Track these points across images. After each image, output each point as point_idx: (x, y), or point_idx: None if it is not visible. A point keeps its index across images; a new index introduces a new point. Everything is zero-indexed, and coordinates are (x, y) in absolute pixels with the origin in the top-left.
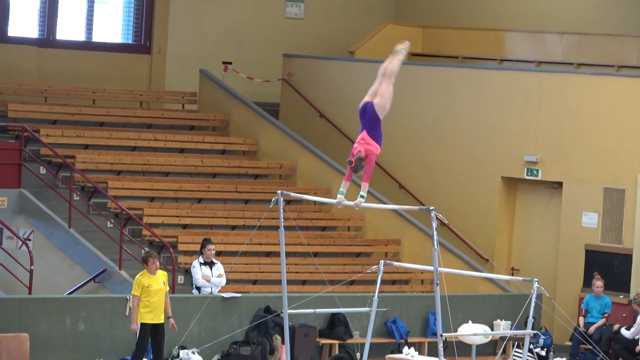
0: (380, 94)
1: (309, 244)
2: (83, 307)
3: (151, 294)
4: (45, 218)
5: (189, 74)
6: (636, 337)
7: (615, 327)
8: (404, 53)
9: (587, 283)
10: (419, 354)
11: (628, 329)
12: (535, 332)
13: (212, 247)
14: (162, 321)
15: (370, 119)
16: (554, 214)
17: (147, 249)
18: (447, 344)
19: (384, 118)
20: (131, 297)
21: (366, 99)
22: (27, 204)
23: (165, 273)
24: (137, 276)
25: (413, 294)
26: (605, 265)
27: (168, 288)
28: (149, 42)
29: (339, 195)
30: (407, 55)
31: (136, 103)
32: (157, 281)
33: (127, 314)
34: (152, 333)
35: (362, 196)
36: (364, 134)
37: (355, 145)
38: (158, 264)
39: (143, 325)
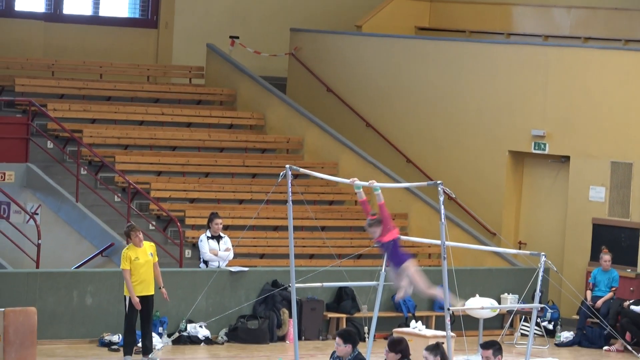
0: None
1: (317, 218)
2: (90, 281)
3: (139, 267)
4: (52, 192)
5: (196, 48)
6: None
7: (626, 303)
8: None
9: (595, 257)
10: (426, 327)
11: (636, 303)
12: (542, 305)
13: (219, 221)
14: (152, 292)
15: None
16: (561, 188)
17: (130, 223)
18: (454, 317)
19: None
20: (122, 272)
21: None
22: (34, 178)
23: (152, 244)
24: (123, 250)
25: (420, 268)
26: (613, 239)
27: (157, 259)
28: (156, 16)
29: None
30: (414, 30)
31: (143, 77)
32: (144, 253)
33: None
34: (142, 304)
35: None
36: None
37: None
38: (141, 235)
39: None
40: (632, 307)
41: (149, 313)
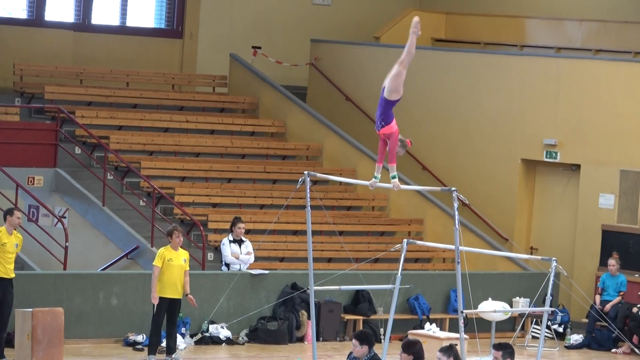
0: (391, 77)
1: (335, 223)
2: (116, 282)
3: (172, 269)
4: (80, 196)
5: (220, 57)
6: None
7: (634, 309)
8: (415, 31)
9: (604, 262)
10: (440, 329)
11: (629, 306)
12: (553, 309)
13: (242, 225)
14: (180, 297)
15: (381, 102)
16: (571, 195)
17: (174, 224)
18: (467, 320)
19: (400, 100)
20: (153, 267)
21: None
22: (62, 182)
23: (186, 252)
24: (160, 249)
25: (435, 272)
26: (621, 245)
27: (188, 267)
28: (181, 26)
29: (373, 179)
30: (431, 41)
31: (168, 86)
32: (178, 257)
33: None
34: (169, 307)
35: (394, 176)
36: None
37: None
38: (182, 238)
39: (162, 299)
40: None
41: (175, 315)
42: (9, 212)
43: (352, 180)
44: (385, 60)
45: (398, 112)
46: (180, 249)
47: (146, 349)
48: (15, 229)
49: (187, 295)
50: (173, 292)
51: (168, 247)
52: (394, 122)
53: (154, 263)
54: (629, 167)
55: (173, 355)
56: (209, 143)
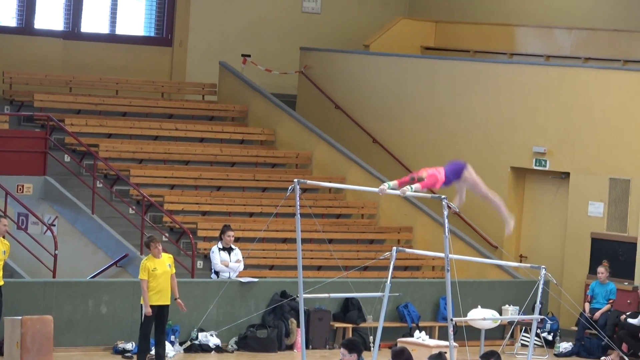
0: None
1: (324, 231)
2: (105, 290)
3: (157, 277)
4: (69, 204)
5: (209, 66)
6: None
7: (622, 316)
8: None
9: (593, 270)
10: (430, 337)
11: (633, 316)
12: (542, 317)
13: (231, 233)
14: (168, 303)
15: (454, 171)
16: (561, 203)
17: (150, 235)
18: (457, 328)
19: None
20: (140, 281)
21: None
22: (52, 190)
23: (170, 256)
24: (142, 260)
25: (424, 280)
26: (611, 253)
27: (174, 271)
28: (171, 35)
29: (383, 185)
30: (421, 49)
31: (158, 94)
32: (162, 264)
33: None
34: (157, 314)
35: (410, 188)
36: (442, 170)
37: (432, 170)
38: (161, 247)
39: (150, 307)
40: (629, 320)
41: (163, 322)
42: None
43: (340, 185)
44: (375, 68)
45: (388, 120)
46: (163, 254)
47: (135, 357)
48: (2, 236)
49: (176, 299)
50: (160, 299)
51: (150, 257)
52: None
53: (140, 277)
54: (618, 175)
55: None
56: (198, 151)
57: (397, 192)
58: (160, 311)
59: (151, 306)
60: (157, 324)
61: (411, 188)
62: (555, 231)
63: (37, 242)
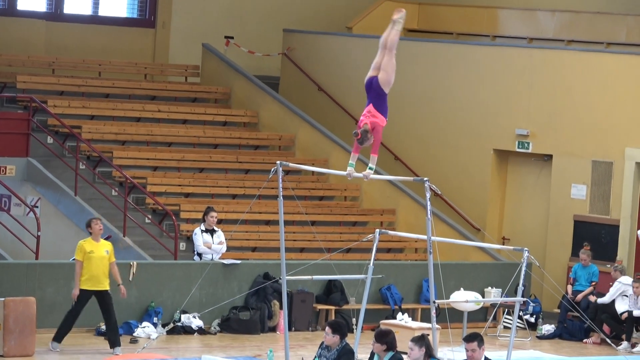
0: (384, 68)
1: (307, 213)
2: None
3: (92, 260)
4: (52, 186)
5: (192, 47)
6: (617, 303)
7: (593, 298)
8: (401, 22)
9: (576, 252)
10: (412, 319)
11: (599, 295)
12: (524, 299)
13: (214, 214)
14: (106, 288)
15: (375, 93)
16: (544, 186)
17: (94, 217)
18: (439, 310)
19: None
20: (75, 262)
21: (371, 73)
22: (34, 172)
23: (109, 244)
24: (80, 242)
25: (407, 262)
26: (593, 236)
27: (114, 259)
28: (154, 16)
29: (348, 168)
30: (403, 31)
31: (140, 75)
32: (99, 249)
33: (130, 279)
34: (98, 300)
35: (370, 168)
36: (370, 107)
37: (362, 117)
38: (102, 227)
39: (83, 291)
40: (599, 300)
41: (107, 307)
42: None
43: (324, 170)
44: (358, 50)
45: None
46: (102, 240)
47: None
48: None
49: (118, 285)
50: (95, 285)
51: (88, 240)
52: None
53: (75, 257)
54: (600, 158)
55: (115, 349)
56: (181, 133)
57: (360, 175)
58: (100, 296)
59: (85, 290)
60: (103, 310)
61: (371, 168)
62: (538, 213)
63: (19, 223)
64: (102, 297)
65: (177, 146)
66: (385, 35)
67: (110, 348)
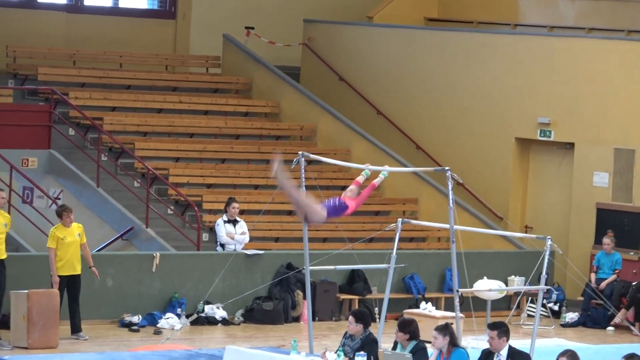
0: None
1: None
2: (111, 264)
3: (65, 246)
4: (74, 178)
5: (213, 38)
6: None
7: (634, 283)
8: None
9: (598, 240)
10: (436, 308)
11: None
12: (548, 287)
13: (236, 205)
14: (78, 272)
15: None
16: (566, 174)
17: (63, 204)
18: (463, 299)
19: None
20: (48, 250)
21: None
22: (56, 164)
23: (80, 225)
24: (51, 229)
25: (430, 251)
26: (616, 223)
27: (85, 240)
28: (174, 7)
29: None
30: (424, 20)
31: (162, 67)
32: (71, 233)
33: (153, 270)
34: (69, 284)
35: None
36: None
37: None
38: (72, 217)
39: (59, 277)
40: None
41: (76, 292)
42: None
43: (345, 163)
44: (379, 40)
45: (392, 92)
46: (73, 223)
47: (142, 329)
48: (1, 209)
49: (90, 267)
50: (70, 269)
51: (59, 226)
52: (348, 204)
53: (47, 245)
54: (622, 145)
55: (80, 334)
56: (202, 124)
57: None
58: (72, 281)
59: (60, 277)
60: (70, 294)
61: (384, 174)
62: (560, 202)
63: (42, 215)
64: (74, 281)
65: (198, 137)
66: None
67: (72, 334)
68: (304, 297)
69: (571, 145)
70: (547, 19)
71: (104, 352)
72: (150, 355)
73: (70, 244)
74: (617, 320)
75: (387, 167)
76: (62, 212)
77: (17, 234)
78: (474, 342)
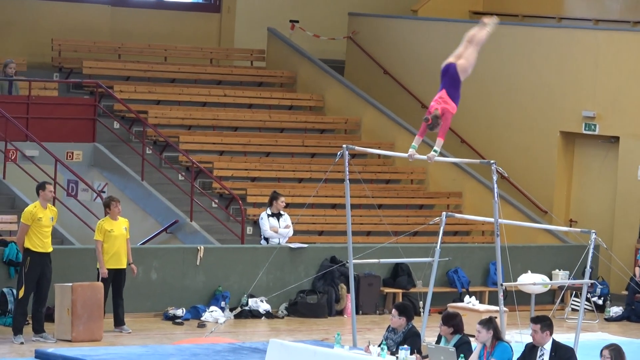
0: (466, 58)
1: (373, 197)
2: (155, 257)
3: (113, 239)
4: (118, 171)
5: (257, 32)
6: None
7: None
8: (492, 26)
9: None
10: (480, 302)
11: None
12: (592, 281)
13: (283, 199)
14: (124, 266)
15: (451, 79)
16: (610, 168)
17: (110, 195)
18: (507, 293)
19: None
20: (95, 242)
21: (450, 59)
22: (101, 157)
23: (126, 220)
24: (98, 222)
25: (474, 245)
26: None
27: (129, 236)
28: (219, 1)
29: (410, 149)
30: (468, 14)
31: (206, 60)
32: (118, 227)
33: (197, 263)
34: (115, 277)
35: (435, 150)
36: (443, 92)
37: (433, 103)
38: (120, 208)
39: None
40: None
41: (120, 285)
42: (41, 187)
43: (390, 153)
44: (423, 33)
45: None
46: (119, 217)
47: (186, 322)
48: (49, 202)
49: (130, 264)
50: (116, 263)
51: (107, 219)
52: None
53: (95, 237)
54: None
55: (123, 327)
56: (247, 117)
57: (422, 157)
58: (118, 274)
59: (109, 270)
60: (114, 288)
61: (436, 151)
62: (605, 195)
63: (87, 208)
64: (120, 275)
65: (243, 130)
66: (472, 32)
67: (116, 327)
68: (348, 291)
69: (616, 139)
70: (592, 12)
71: (147, 345)
72: (194, 348)
73: (117, 237)
74: None
75: (434, 154)
76: (110, 202)
77: (61, 227)
78: (518, 336)
